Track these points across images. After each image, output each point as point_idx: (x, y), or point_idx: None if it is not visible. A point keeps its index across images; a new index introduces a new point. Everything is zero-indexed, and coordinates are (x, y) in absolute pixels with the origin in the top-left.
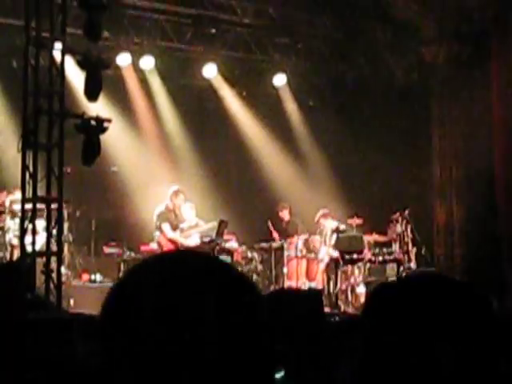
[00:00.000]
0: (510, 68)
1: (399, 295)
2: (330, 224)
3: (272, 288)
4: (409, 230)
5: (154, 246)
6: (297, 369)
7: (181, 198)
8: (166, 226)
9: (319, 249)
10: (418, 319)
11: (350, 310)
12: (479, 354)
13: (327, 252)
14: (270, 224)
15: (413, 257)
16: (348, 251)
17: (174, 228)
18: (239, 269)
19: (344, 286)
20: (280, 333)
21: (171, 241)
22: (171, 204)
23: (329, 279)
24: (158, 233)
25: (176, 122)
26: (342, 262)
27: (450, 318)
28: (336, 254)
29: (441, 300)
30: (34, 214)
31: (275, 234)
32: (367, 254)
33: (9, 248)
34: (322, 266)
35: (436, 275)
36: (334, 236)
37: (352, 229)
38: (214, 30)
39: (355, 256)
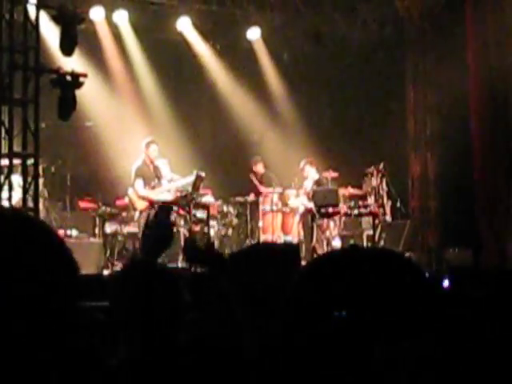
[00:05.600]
0: (484, 18)
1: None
2: (313, 174)
3: (248, 242)
4: (384, 183)
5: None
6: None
7: (153, 148)
8: (138, 183)
9: (294, 199)
10: None
11: None
12: None
13: (302, 202)
14: (253, 177)
15: (388, 210)
16: (323, 205)
17: (154, 181)
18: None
19: (320, 240)
20: (258, 287)
21: (143, 197)
22: (147, 157)
23: (304, 233)
24: (131, 189)
25: (150, 75)
26: (317, 216)
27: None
28: (311, 204)
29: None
30: (10, 169)
31: (261, 187)
32: (343, 208)
33: None
34: (298, 217)
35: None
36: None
37: (327, 182)
38: None
39: (330, 209)
